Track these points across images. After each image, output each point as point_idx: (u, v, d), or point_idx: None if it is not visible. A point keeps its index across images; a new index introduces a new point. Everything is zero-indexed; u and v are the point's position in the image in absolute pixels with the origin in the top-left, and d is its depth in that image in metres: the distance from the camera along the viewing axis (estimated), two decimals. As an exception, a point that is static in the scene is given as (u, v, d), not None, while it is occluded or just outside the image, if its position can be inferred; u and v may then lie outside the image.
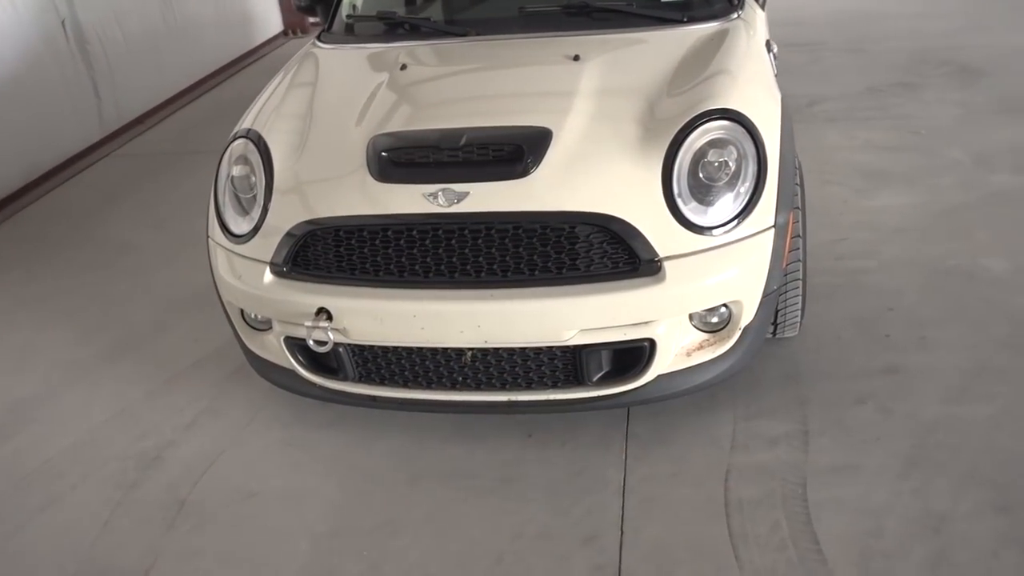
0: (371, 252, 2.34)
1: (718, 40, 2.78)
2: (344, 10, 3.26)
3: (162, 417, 2.79)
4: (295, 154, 2.53)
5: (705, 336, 2.37)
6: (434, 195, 2.27)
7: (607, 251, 2.24)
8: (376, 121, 2.53)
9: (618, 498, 2.25)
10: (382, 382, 2.49)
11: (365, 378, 2.50)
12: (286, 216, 2.42)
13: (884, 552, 2.00)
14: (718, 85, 2.51)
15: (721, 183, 2.30)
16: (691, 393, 2.41)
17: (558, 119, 2.39)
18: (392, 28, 3.11)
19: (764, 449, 2.36)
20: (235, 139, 2.63)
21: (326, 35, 3.20)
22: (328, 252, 2.39)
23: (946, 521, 2.06)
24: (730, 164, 2.31)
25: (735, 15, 2.92)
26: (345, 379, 2.51)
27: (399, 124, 2.49)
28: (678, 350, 2.34)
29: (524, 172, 2.26)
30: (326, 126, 2.61)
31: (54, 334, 3.33)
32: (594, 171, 2.29)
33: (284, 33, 7.81)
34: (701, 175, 2.29)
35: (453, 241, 2.28)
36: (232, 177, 2.60)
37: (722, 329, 2.38)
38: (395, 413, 2.62)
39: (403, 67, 2.78)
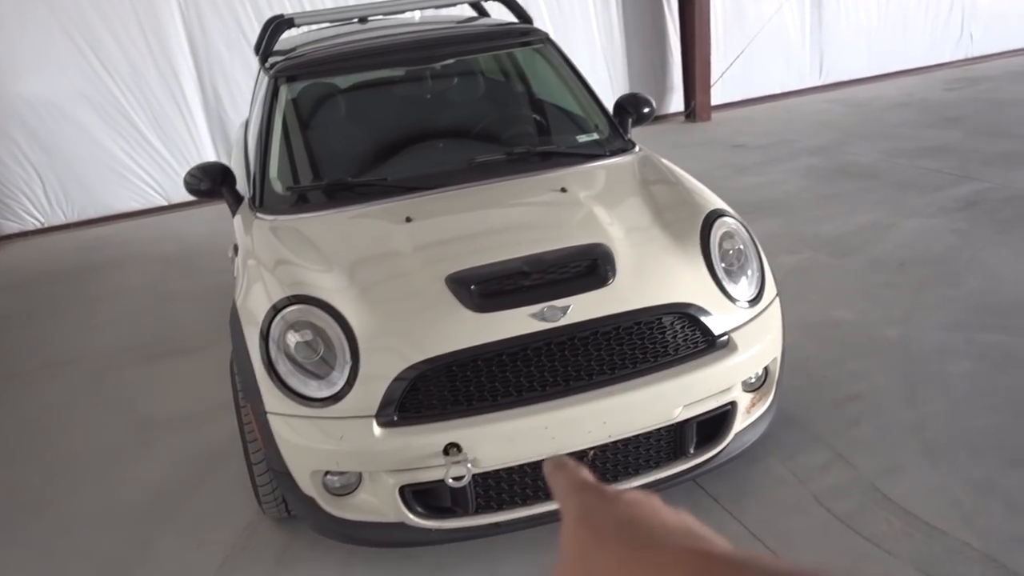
0: (488, 379, 2.46)
1: (650, 164, 3.34)
2: (276, 184, 3.29)
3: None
4: (362, 308, 2.56)
5: (751, 395, 2.81)
6: (538, 314, 2.49)
7: (688, 334, 2.62)
8: (434, 265, 2.67)
9: (755, 541, 2.56)
10: (501, 507, 2.55)
11: (484, 508, 2.54)
12: (385, 367, 2.45)
13: (966, 514, 2.54)
14: (697, 193, 3.07)
15: (736, 267, 2.81)
16: (752, 444, 2.80)
17: (602, 235, 2.75)
18: (339, 194, 3.21)
19: (823, 475, 2.82)
20: (280, 309, 2.58)
21: (262, 210, 3.19)
22: (442, 390, 2.45)
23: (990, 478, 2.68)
24: (741, 249, 2.85)
25: (638, 148, 3.50)
26: (464, 514, 2.53)
27: (462, 263, 2.64)
28: (742, 410, 2.76)
29: (605, 281, 2.58)
30: (372, 280, 2.68)
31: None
32: (657, 270, 2.68)
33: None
34: (723, 263, 2.79)
35: (566, 351, 2.50)
36: (289, 346, 2.54)
37: (762, 386, 2.84)
38: (470, 545, 2.65)
39: (408, 219, 2.94)
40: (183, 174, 7.28)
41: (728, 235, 2.86)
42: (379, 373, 2.45)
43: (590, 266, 2.61)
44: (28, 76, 6.97)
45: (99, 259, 6.39)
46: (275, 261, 2.87)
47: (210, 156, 7.59)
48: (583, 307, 2.52)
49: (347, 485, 2.57)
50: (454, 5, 4.43)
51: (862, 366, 3.45)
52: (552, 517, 2.56)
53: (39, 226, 7.35)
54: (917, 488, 2.69)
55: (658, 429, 2.58)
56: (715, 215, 2.90)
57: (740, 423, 2.74)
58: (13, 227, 7.28)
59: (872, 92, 8.88)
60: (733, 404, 2.67)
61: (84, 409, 4.00)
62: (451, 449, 2.39)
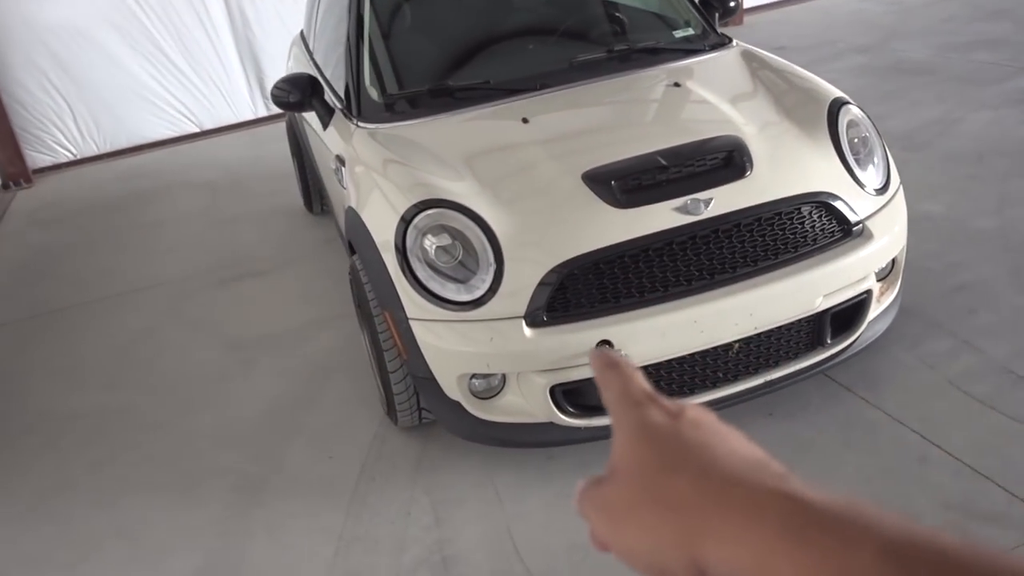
0: (635, 275, 2.44)
1: (754, 56, 3.27)
2: (372, 92, 3.21)
3: (401, 529, 2.54)
4: (499, 209, 2.52)
5: (881, 283, 2.80)
6: (681, 207, 2.46)
7: (825, 224, 2.59)
8: (565, 163, 2.62)
9: (898, 425, 2.58)
10: (648, 402, 2.56)
11: (631, 404, 2.54)
12: (531, 268, 2.42)
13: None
14: (812, 83, 3.02)
15: (863, 155, 2.77)
16: (883, 333, 2.81)
17: (731, 127, 2.71)
18: (441, 99, 3.13)
19: (952, 361, 2.83)
20: (416, 213, 2.54)
21: (362, 118, 3.12)
22: (590, 288, 2.44)
23: None
24: (866, 137, 2.81)
25: (735, 42, 3.43)
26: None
27: (596, 160, 2.60)
28: (875, 299, 2.76)
29: (743, 172, 2.54)
30: (504, 181, 2.64)
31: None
32: (791, 160, 2.65)
33: (4, 187, 6.89)
34: (852, 152, 2.75)
35: (710, 244, 2.48)
36: (427, 251, 2.51)
37: (889, 275, 2.83)
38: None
39: (525, 120, 2.88)
40: (212, 99, 7.25)
41: (853, 123, 2.82)
42: (526, 274, 2.43)
43: (726, 158, 2.58)
44: (53, 3, 6.77)
45: (142, 188, 6.30)
46: (394, 167, 2.81)
47: (239, 81, 7.46)
48: (724, 199, 2.49)
49: (491, 388, 2.57)
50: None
51: (963, 257, 3.44)
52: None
53: (71, 158, 7.22)
54: (1049, 366, 2.71)
55: (799, 320, 2.57)
56: (839, 103, 2.85)
57: (873, 312, 2.74)
58: (46, 160, 7.14)
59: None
60: (868, 293, 2.67)
61: (172, 333, 3.99)
62: (603, 346, 2.38)
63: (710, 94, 2.95)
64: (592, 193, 2.50)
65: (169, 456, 3.06)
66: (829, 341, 2.66)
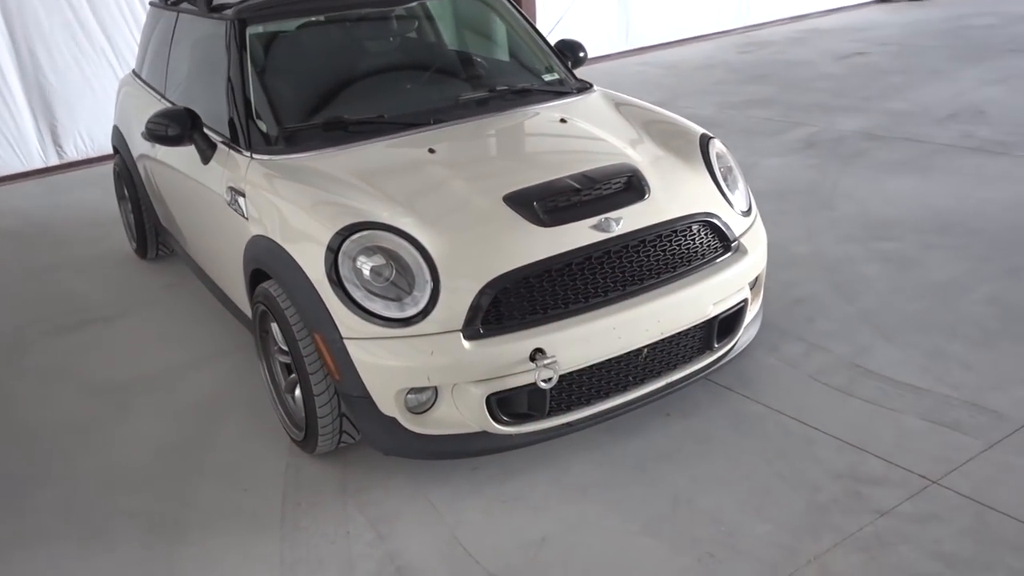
0: (560, 288, 2.65)
1: (618, 98, 3.63)
2: (261, 125, 3.22)
3: (344, 548, 2.54)
4: (429, 230, 2.65)
5: (750, 293, 3.18)
6: (597, 225, 2.71)
7: (710, 241, 2.94)
8: (482, 187, 2.80)
9: (778, 414, 2.94)
10: (571, 407, 2.75)
11: (556, 410, 2.73)
12: (467, 284, 2.56)
13: (936, 375, 3.08)
14: (677, 120, 3.41)
15: (730, 182, 3.16)
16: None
17: (623, 156, 3.01)
18: (336, 133, 3.20)
19: (807, 360, 3.26)
20: (347, 235, 2.61)
21: (258, 151, 3.13)
22: (521, 300, 2.61)
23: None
24: (731, 167, 3.21)
25: (594, 87, 3.76)
26: (539, 418, 2.70)
27: (512, 184, 2.79)
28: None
29: (643, 195, 2.85)
30: (428, 204, 2.76)
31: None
32: (679, 185, 2.98)
33: None
34: (723, 179, 3.13)
35: (622, 259, 2.74)
36: (362, 271, 2.59)
37: (755, 287, 3.22)
38: (531, 451, 2.84)
39: (431, 150, 3.03)
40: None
41: (720, 155, 3.21)
42: (462, 290, 2.56)
43: (627, 182, 2.86)
44: None
45: (-75, 240, 5.72)
46: (309, 195, 2.85)
47: (28, 126, 7.01)
48: (631, 218, 2.77)
49: (424, 402, 2.66)
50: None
51: (791, 277, 3.94)
52: (613, 412, 2.80)
53: None
54: (888, 362, 3.19)
55: (694, 326, 2.88)
56: (706, 138, 3.24)
57: (748, 318, 3.11)
58: None
59: (676, 56, 9.69)
60: (745, 301, 3.03)
61: (16, 385, 3.70)
62: (537, 354, 2.56)
63: (595, 129, 3.25)
64: (515, 213, 2.69)
65: (60, 505, 2.85)
66: (716, 345, 2.99)
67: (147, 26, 4.73)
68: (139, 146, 4.41)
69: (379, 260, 2.60)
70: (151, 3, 4.69)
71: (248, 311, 3.32)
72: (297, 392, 2.99)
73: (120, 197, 5.07)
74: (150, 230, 4.69)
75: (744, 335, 3.11)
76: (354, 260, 2.60)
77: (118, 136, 4.81)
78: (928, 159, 5.37)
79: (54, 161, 7.17)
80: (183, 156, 3.58)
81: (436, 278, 2.58)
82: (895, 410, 2.91)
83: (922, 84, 7.33)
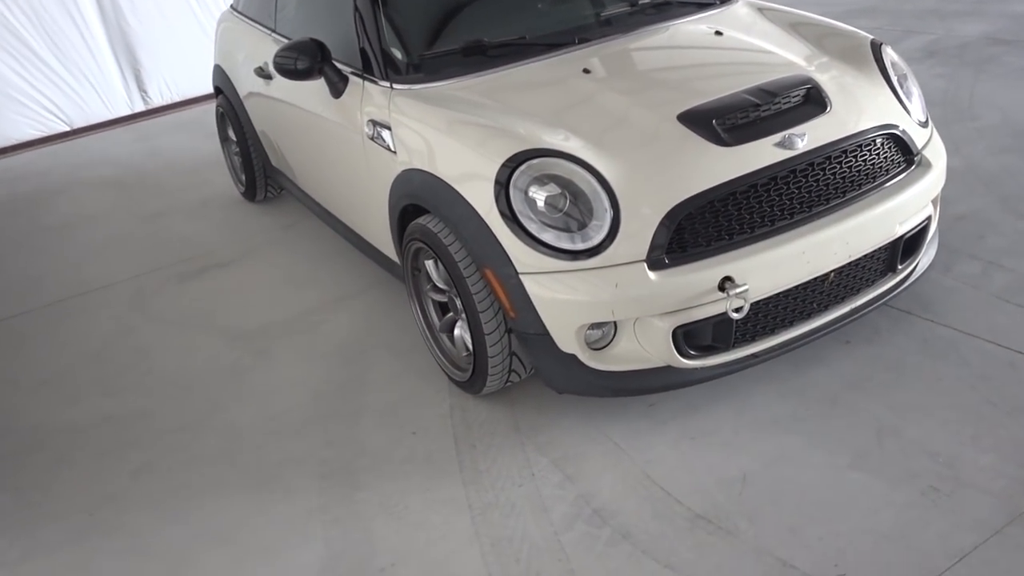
0: (746, 211, 2.47)
1: (766, 7, 3.37)
2: (403, 54, 3.05)
3: (533, 491, 2.44)
4: (604, 156, 2.48)
5: (933, 210, 2.96)
6: (781, 143, 2.51)
7: (894, 155, 2.72)
8: (652, 106, 2.61)
9: (970, 338, 2.74)
10: (755, 338, 2.59)
11: (740, 341, 2.57)
12: (648, 211, 2.40)
13: None
14: (838, 26, 3.17)
15: (905, 90, 2.92)
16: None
17: (798, 68, 2.78)
18: (477, 58, 3.02)
19: (988, 280, 3.04)
20: (518, 163, 2.44)
21: (399, 80, 2.97)
22: (706, 226, 2.44)
23: None
24: (906, 75, 2.97)
25: (736, -1, 3.51)
26: (724, 350, 2.55)
27: (686, 102, 2.59)
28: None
29: (825, 108, 2.62)
30: (598, 128, 2.58)
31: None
32: (858, 95, 2.75)
33: None
34: (900, 87, 2.89)
35: (808, 178, 2.54)
36: (536, 201, 2.43)
37: (935, 202, 3.00)
38: (709, 386, 2.69)
39: (586, 71, 2.84)
40: (84, 95, 6.67)
41: (895, 62, 2.96)
42: (644, 217, 2.39)
43: (806, 95, 2.65)
44: None
45: (28, 191, 5.72)
46: (466, 124, 2.69)
47: (113, 75, 6.92)
48: (814, 133, 2.56)
49: (603, 337, 2.53)
50: None
51: (948, 192, 3.65)
52: (797, 342, 2.63)
53: (-77, 165, 6.44)
54: None
55: (880, 247, 2.68)
56: (878, 44, 2.99)
57: (930, 236, 2.90)
58: None
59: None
60: (929, 218, 2.82)
61: (150, 333, 3.64)
62: (726, 283, 2.40)
63: (755, 40, 3.02)
64: (693, 133, 2.50)
65: (223, 454, 2.79)
66: (900, 266, 2.79)
67: (245, -42, 4.55)
68: (247, 84, 4.28)
69: (553, 189, 2.44)
70: (248, -66, 4.50)
71: (389, 250, 3.20)
72: (456, 331, 2.88)
73: (224, 139, 4.97)
74: (259, 171, 4.58)
75: (925, 256, 2.91)
76: (526, 192, 2.44)
77: (221, 75, 4.68)
78: (1068, 62, 5.01)
79: (140, 107, 7.10)
80: (305, 91, 3.43)
81: (616, 205, 2.41)
82: (1102, 331, 2.71)
83: (1039, -17, 6.86)
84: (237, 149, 4.69)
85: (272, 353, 3.32)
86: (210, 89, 5.51)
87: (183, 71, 7.05)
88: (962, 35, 5.81)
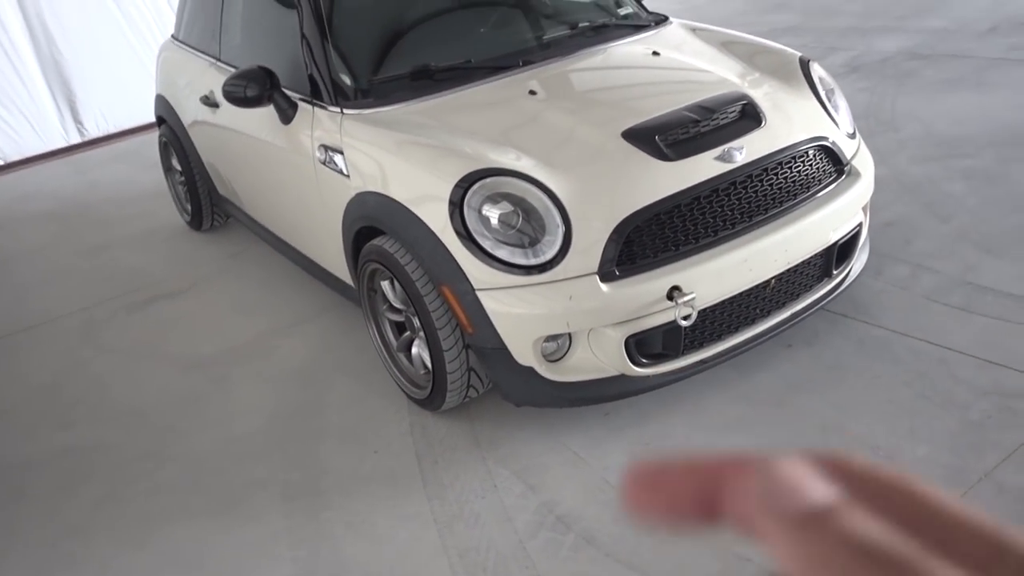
0: (691, 223, 2.59)
1: (698, 28, 3.53)
2: (352, 80, 3.11)
3: (496, 501, 2.50)
4: (553, 174, 2.57)
5: (864, 216, 3.12)
6: (720, 156, 2.64)
7: (826, 166, 2.87)
8: (597, 124, 2.72)
9: (905, 337, 2.90)
10: (702, 344, 2.70)
11: (689, 348, 2.68)
12: (598, 225, 2.50)
13: None
14: (767, 44, 3.33)
15: (833, 104, 3.08)
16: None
17: (732, 85, 2.92)
18: (424, 82, 3.10)
19: (916, 281, 3.21)
20: (472, 182, 2.53)
21: (348, 105, 3.03)
22: (653, 238, 2.55)
23: None
24: (833, 89, 3.13)
25: (670, 19, 3.65)
26: (674, 357, 2.66)
27: (629, 120, 2.71)
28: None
29: (760, 122, 2.76)
30: (546, 147, 2.67)
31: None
32: (790, 110, 2.90)
33: None
34: (828, 100, 3.06)
35: (747, 189, 2.67)
36: (489, 219, 2.52)
37: (865, 209, 3.16)
38: (662, 394, 2.79)
39: (532, 92, 2.94)
40: (17, 128, 6.58)
41: (822, 77, 3.13)
42: (594, 232, 2.49)
43: (742, 110, 2.78)
44: None
45: (-38, 227, 5.61)
46: (417, 147, 2.76)
47: (47, 104, 6.84)
48: (751, 147, 2.69)
49: (559, 349, 2.61)
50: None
51: (876, 200, 3.82)
52: (742, 347, 2.75)
53: None
54: (1001, 277, 3.15)
55: (816, 253, 2.82)
56: (805, 60, 3.15)
57: (861, 242, 3.06)
58: None
59: (687, -11, 9.51)
60: (860, 225, 2.97)
61: (103, 364, 3.62)
62: (674, 292, 2.50)
63: (690, 59, 3.16)
64: (637, 149, 2.61)
65: (184, 481, 2.80)
66: (835, 271, 2.93)
67: (186, -11, 4.57)
68: (191, 112, 4.30)
69: (506, 207, 2.53)
70: (187, -36, 4.53)
71: (342, 273, 3.25)
72: (414, 350, 2.94)
73: (167, 169, 4.96)
74: (205, 200, 4.59)
75: (858, 261, 3.06)
76: (479, 210, 2.52)
77: (163, 105, 4.68)
78: (981, 74, 5.28)
79: (76, 139, 7.02)
80: (254, 118, 3.47)
81: (567, 221, 2.50)
82: (1021, 323, 2.88)
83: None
84: (182, 178, 4.69)
85: (228, 379, 3.34)
86: (147, 119, 5.52)
87: (119, 101, 7.00)
88: (882, 50, 6.09)
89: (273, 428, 3.00)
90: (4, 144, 6.70)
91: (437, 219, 2.56)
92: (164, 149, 4.89)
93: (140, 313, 4.02)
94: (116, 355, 3.67)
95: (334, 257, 3.25)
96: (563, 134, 2.73)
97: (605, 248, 2.48)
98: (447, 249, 2.54)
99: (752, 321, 2.78)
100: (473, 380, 2.77)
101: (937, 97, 5.04)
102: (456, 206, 2.52)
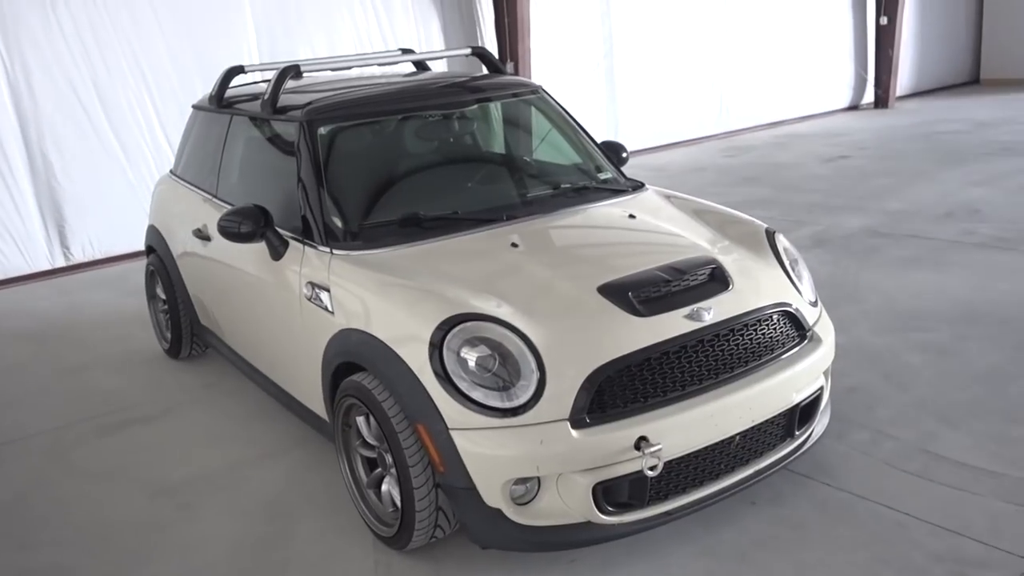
0: (660, 376, 2.70)
1: (672, 196, 3.76)
2: (343, 223, 3.27)
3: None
4: (530, 322, 2.70)
5: (825, 381, 3.24)
6: (689, 315, 2.79)
7: (788, 330, 3.02)
8: (574, 279, 2.87)
9: (864, 501, 2.97)
10: (668, 496, 2.76)
11: (654, 499, 2.74)
12: (571, 373, 2.61)
13: (1008, 459, 3.15)
14: (736, 215, 3.54)
15: (796, 273, 3.27)
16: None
17: (702, 249, 3.11)
18: (411, 229, 3.26)
19: (877, 447, 3.31)
20: (452, 326, 2.64)
21: (338, 246, 3.18)
22: (624, 389, 2.65)
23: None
24: (797, 260, 3.33)
25: (646, 186, 3.89)
26: (640, 507, 2.71)
27: (604, 276, 2.86)
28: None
29: (727, 286, 2.93)
30: (524, 297, 2.80)
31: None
32: (756, 276, 3.07)
33: None
34: (792, 270, 3.24)
35: (714, 347, 2.81)
36: (467, 361, 2.62)
37: (826, 374, 3.29)
38: (627, 543, 2.83)
39: (514, 244, 3.10)
40: (3, 248, 6.69)
41: (786, 248, 3.33)
42: (568, 379, 2.59)
43: (711, 273, 2.95)
44: None
45: (-61, 342, 5.61)
46: (403, 288, 2.89)
47: (36, 227, 6.99)
48: (718, 308, 2.85)
49: (528, 492, 2.66)
50: (396, 63, 4.63)
51: (839, 367, 4.00)
52: (707, 501, 2.81)
53: None
54: (958, 447, 3.26)
55: (779, 413, 2.93)
56: (771, 232, 3.36)
57: (823, 405, 3.17)
58: None
59: (663, 159, 10.03)
60: (821, 388, 3.10)
61: (69, 485, 3.59)
62: (641, 442, 2.59)
63: (663, 223, 3.36)
64: (611, 304, 2.76)
65: (143, 610, 2.76)
66: (797, 432, 3.04)
67: (188, 127, 4.81)
68: (182, 244, 4.44)
69: (483, 351, 2.63)
70: (194, 106, 4.78)
71: (318, 407, 3.31)
72: (384, 487, 2.97)
73: (151, 296, 5.05)
74: (186, 329, 4.67)
75: (819, 423, 3.17)
76: (458, 352, 2.63)
77: (155, 235, 4.82)
78: (939, 254, 5.58)
79: (60, 263, 7.12)
80: (244, 253, 3.61)
81: (542, 368, 2.61)
82: (978, 494, 2.97)
83: (910, 185, 7.67)
84: (165, 307, 4.79)
85: (194, 508, 3.32)
86: (135, 247, 5.65)
87: (108, 229, 7.16)
88: (846, 227, 6.43)
89: (236, 559, 2.97)
90: (-13, 263, 6.79)
91: (416, 359, 2.66)
92: (150, 277, 5.00)
93: (111, 436, 4.01)
94: (83, 477, 3.65)
95: (311, 391, 3.31)
96: (542, 286, 2.88)
97: (577, 396, 2.58)
98: (424, 388, 2.63)
99: (717, 476, 2.85)
100: (440, 520, 2.79)
101: (897, 273, 5.30)
102: (436, 347, 2.63)
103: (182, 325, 4.66)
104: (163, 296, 4.80)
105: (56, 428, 4.13)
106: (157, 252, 4.80)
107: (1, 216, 6.79)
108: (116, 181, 7.17)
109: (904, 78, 13.47)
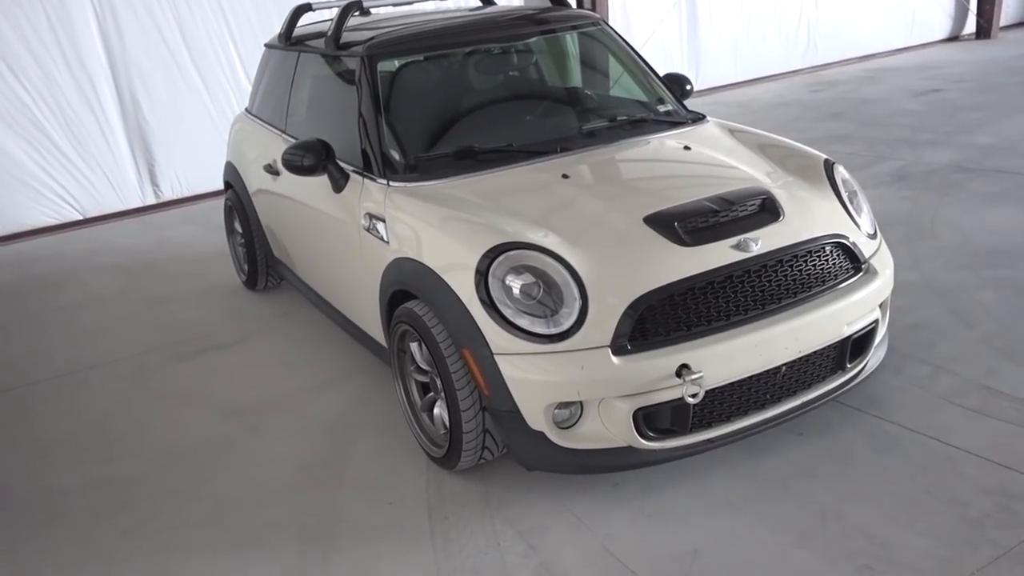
0: (704, 306, 2.71)
1: (733, 127, 3.71)
2: (400, 156, 3.34)
3: (498, 558, 2.60)
4: (576, 251, 2.73)
5: (880, 314, 3.19)
6: (736, 245, 2.78)
7: (842, 262, 2.98)
8: (621, 209, 2.89)
9: (915, 434, 2.94)
10: (711, 424, 2.80)
11: (697, 426, 2.77)
12: (613, 301, 2.64)
13: None
14: (795, 146, 3.48)
15: (855, 205, 3.20)
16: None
17: (755, 180, 3.08)
18: (467, 161, 3.32)
19: (935, 382, 3.26)
20: (499, 254, 2.70)
21: (396, 178, 3.25)
22: (666, 318, 2.68)
23: None
24: (855, 191, 3.26)
25: (707, 118, 3.85)
26: (682, 433, 2.75)
27: (653, 206, 2.87)
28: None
29: (778, 216, 2.90)
30: (572, 226, 2.84)
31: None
32: (810, 207, 3.03)
33: None
34: (850, 202, 3.18)
35: (761, 278, 2.79)
36: (512, 288, 2.68)
37: (883, 308, 3.24)
38: (669, 467, 2.88)
39: (565, 176, 3.13)
40: (98, 186, 7.00)
41: (844, 179, 3.26)
42: (609, 307, 2.63)
43: (762, 204, 2.93)
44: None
45: (40, 273, 5.97)
46: (452, 218, 2.96)
47: (128, 166, 7.28)
48: (767, 239, 2.83)
49: (570, 417, 2.73)
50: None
51: (905, 303, 3.95)
52: (751, 430, 2.83)
53: (-60, 247, 6.73)
54: (1020, 383, 3.19)
55: (829, 346, 2.91)
56: (830, 163, 3.30)
57: (878, 339, 3.13)
58: (-88, 248, 6.62)
59: (747, 95, 9.78)
60: (876, 322, 3.06)
61: (148, 406, 3.83)
62: (683, 370, 2.62)
63: (719, 155, 3.33)
64: (657, 234, 2.77)
65: (209, 518, 2.95)
66: (848, 365, 3.01)
67: (261, 66, 4.94)
68: (256, 180, 4.60)
69: (527, 279, 2.69)
70: (266, 45, 4.90)
71: (378, 334, 3.43)
72: (436, 410, 3.08)
73: (230, 231, 5.25)
74: (261, 262, 4.85)
75: (873, 357, 3.13)
76: (503, 280, 2.69)
77: (232, 171, 5.00)
78: (1024, 190, 5.35)
79: (151, 200, 7.43)
80: (309, 187, 3.72)
81: (584, 295, 2.65)
82: (1034, 429, 2.91)
83: (1004, 119, 7.32)
84: (242, 240, 4.98)
85: (262, 428, 3.51)
86: (218, 186, 5.86)
87: (194, 168, 7.42)
88: (930, 162, 6.20)
89: (298, 475, 3.14)
90: (84, 200, 7.13)
91: (464, 287, 2.73)
92: (228, 213, 5.20)
93: (189, 362, 4.24)
94: (162, 399, 3.88)
95: (371, 318, 3.43)
96: (588, 216, 2.91)
97: (619, 323, 2.62)
98: (471, 314, 2.71)
99: (762, 406, 2.86)
100: (488, 442, 2.89)
101: (978, 209, 5.11)
102: (482, 275, 2.70)
103: (257, 258, 4.85)
104: (240, 230, 4.99)
105: (139, 354, 4.38)
106: (234, 188, 4.98)
107: (95, 155, 7.11)
108: (200, 120, 7.41)
109: (1009, 6, 12.72)
